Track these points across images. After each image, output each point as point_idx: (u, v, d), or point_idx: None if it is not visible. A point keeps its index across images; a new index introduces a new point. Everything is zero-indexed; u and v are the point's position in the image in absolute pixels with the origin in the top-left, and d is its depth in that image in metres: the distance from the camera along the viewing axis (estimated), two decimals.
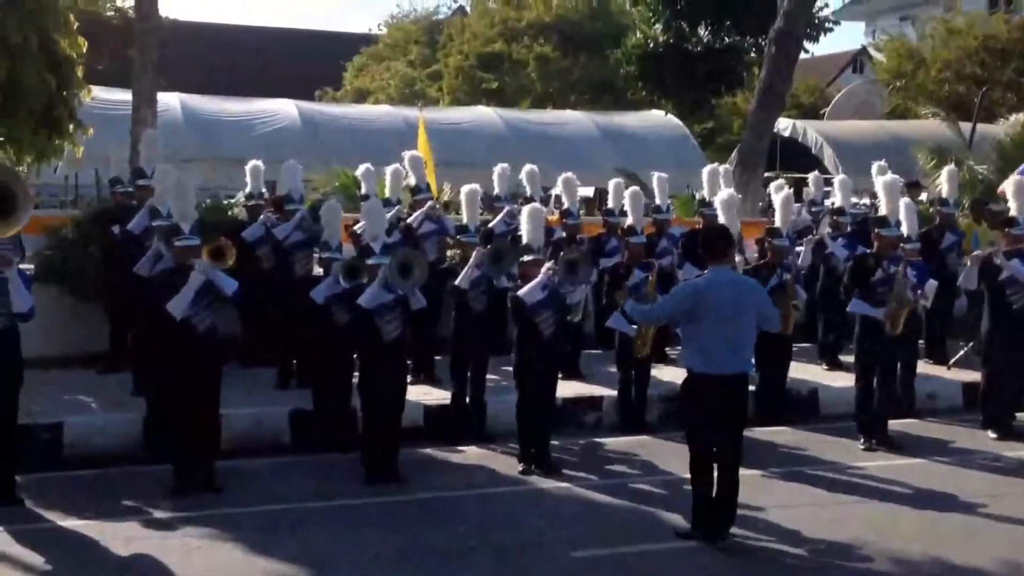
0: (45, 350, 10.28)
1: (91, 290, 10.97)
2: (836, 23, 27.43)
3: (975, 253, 10.48)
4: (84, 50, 14.04)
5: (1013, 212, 10.34)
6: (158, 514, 7.64)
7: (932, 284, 10.29)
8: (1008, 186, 10.96)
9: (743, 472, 7.47)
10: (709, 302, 7.12)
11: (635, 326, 9.52)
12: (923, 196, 15.32)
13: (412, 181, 12.11)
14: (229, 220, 11.73)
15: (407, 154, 12.45)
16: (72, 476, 8.57)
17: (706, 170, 13.29)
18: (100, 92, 17.74)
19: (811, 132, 28.02)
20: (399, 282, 8.32)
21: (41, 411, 9.11)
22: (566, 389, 10.23)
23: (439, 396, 10.21)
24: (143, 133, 12.07)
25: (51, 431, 9.05)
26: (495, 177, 12.60)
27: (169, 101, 22.37)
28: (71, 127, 13.81)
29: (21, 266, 8.21)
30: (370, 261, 8.60)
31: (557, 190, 12.86)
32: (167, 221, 8.83)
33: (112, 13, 33.67)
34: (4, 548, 6.97)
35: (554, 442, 9.07)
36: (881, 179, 10.62)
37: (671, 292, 7.91)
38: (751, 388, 7.97)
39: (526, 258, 9.01)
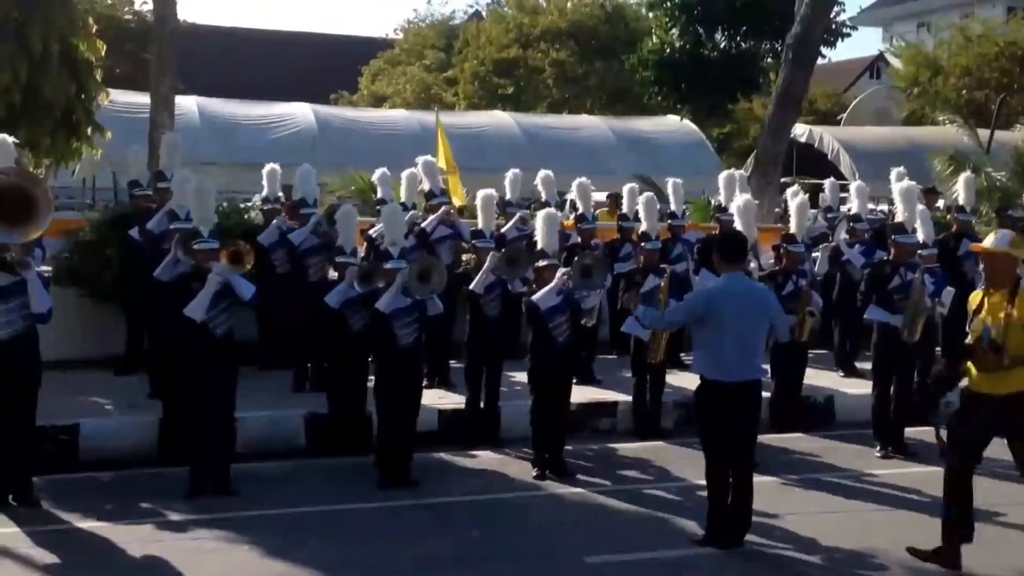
0: (62, 352, 10.34)
1: (108, 292, 11.02)
2: (853, 29, 27.41)
3: None
4: (103, 54, 14.13)
5: None
6: (173, 516, 7.67)
7: (949, 291, 10.25)
8: None
9: (758, 479, 7.46)
10: (721, 309, 7.11)
11: (649, 330, 9.52)
12: (940, 203, 15.26)
13: (427, 186, 12.13)
14: (245, 224, 11.76)
15: (421, 159, 12.48)
16: (88, 478, 8.61)
17: (722, 176, 13.27)
18: (118, 95, 17.83)
19: (828, 138, 27.93)
20: (417, 288, 8.34)
21: (58, 413, 9.15)
22: (580, 394, 10.21)
23: (453, 401, 10.23)
24: (163, 136, 12.12)
25: (68, 433, 9.10)
26: (507, 182, 12.61)
27: (187, 104, 22.46)
28: (89, 130, 13.88)
29: (40, 268, 8.26)
30: (387, 266, 8.61)
31: (572, 195, 12.88)
32: (185, 224, 8.87)
33: (130, 16, 33.92)
34: (21, 549, 7.00)
35: (568, 447, 9.06)
36: (898, 186, 10.59)
37: (684, 298, 7.91)
38: (766, 395, 7.96)
39: (541, 263, 9.01)
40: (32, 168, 13.00)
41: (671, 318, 8.02)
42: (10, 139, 9.22)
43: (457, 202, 12.57)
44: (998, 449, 9.92)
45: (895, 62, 36.59)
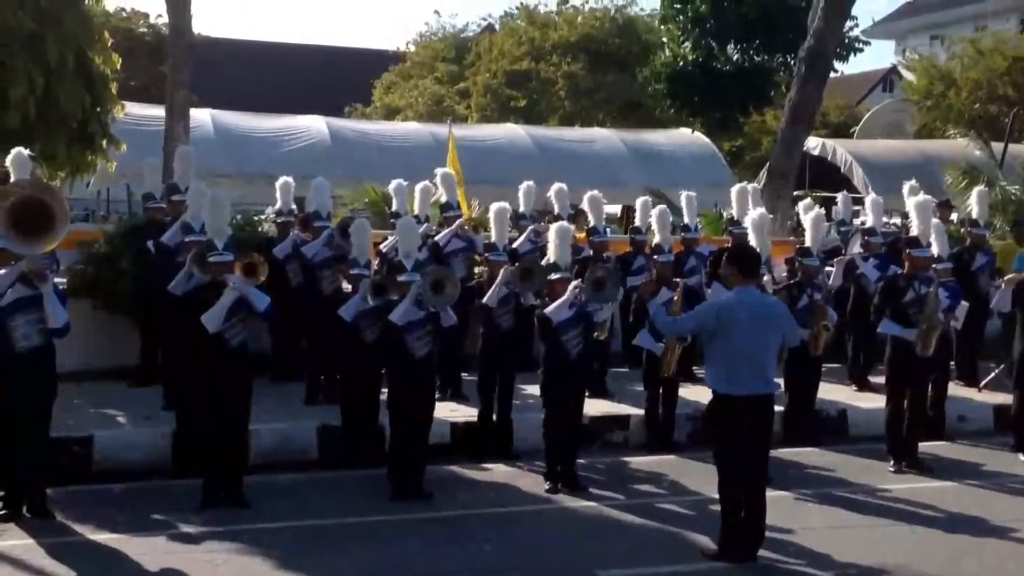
0: (77, 364, 10.37)
1: (123, 304, 11.06)
2: (866, 43, 27.34)
3: (1009, 276, 10.41)
4: (118, 66, 14.22)
5: None
6: (186, 528, 7.68)
7: (963, 305, 10.22)
8: None
9: (771, 493, 7.44)
10: (733, 322, 7.10)
11: (662, 344, 9.52)
12: (954, 216, 15.22)
13: (443, 198, 12.15)
14: (258, 236, 11.80)
15: (439, 171, 12.50)
16: (102, 490, 8.62)
17: (735, 189, 13.27)
18: (133, 108, 17.94)
19: (841, 151, 27.86)
20: (432, 299, 8.35)
21: (72, 424, 9.18)
22: (593, 407, 10.20)
23: (466, 413, 10.23)
24: (178, 149, 12.16)
25: (82, 444, 9.12)
26: (520, 195, 12.62)
27: (201, 117, 22.55)
28: (104, 143, 13.96)
29: (56, 280, 8.30)
30: (401, 278, 8.63)
31: (584, 207, 12.86)
32: (199, 237, 8.90)
33: (145, 30, 34.17)
34: (35, 561, 7.02)
35: (580, 461, 9.05)
36: (913, 199, 10.56)
37: (696, 309, 7.90)
38: (779, 409, 7.94)
39: (553, 276, 9.02)
40: (47, 179, 13.07)
41: (682, 326, 8.04)
42: (26, 151, 9.27)
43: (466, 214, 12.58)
44: (1012, 464, 9.91)
45: (908, 75, 36.55)
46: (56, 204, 7.78)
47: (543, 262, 9.60)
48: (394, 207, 12.35)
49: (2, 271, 7.81)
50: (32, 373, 7.71)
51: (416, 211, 12.04)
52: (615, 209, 20.52)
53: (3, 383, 7.78)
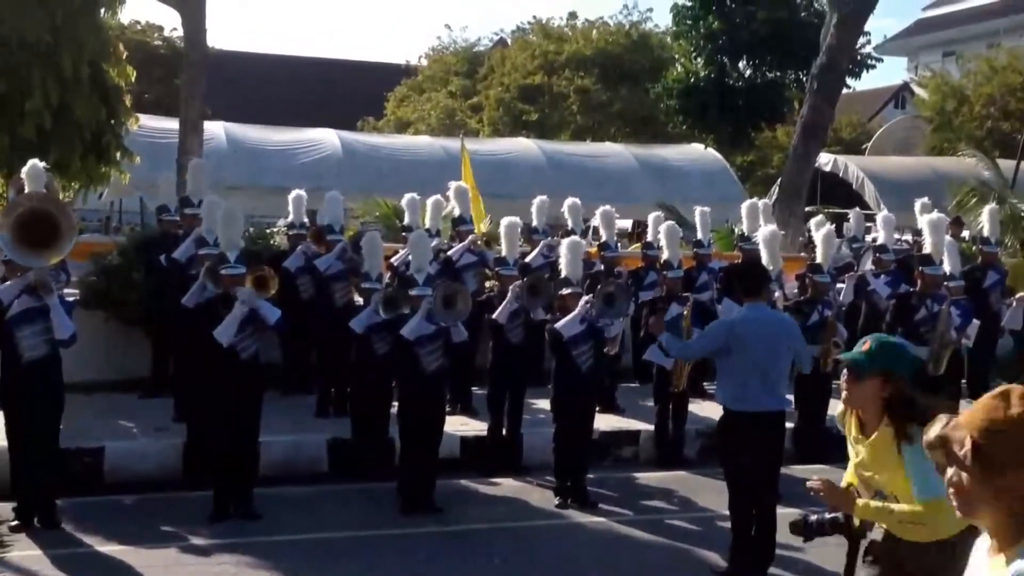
0: (88, 374, 10.40)
1: (134, 316, 11.10)
2: (879, 59, 27.34)
3: (1020, 294, 10.39)
4: (132, 79, 14.28)
5: None
6: (196, 540, 7.68)
7: (975, 324, 10.20)
8: None
9: (782, 511, 7.40)
10: (744, 339, 7.09)
11: (672, 359, 9.51)
12: (965, 234, 15.20)
13: (457, 212, 12.17)
14: (271, 249, 11.83)
15: (453, 184, 12.52)
16: (112, 501, 8.63)
17: (745, 205, 13.27)
18: (147, 120, 18.02)
19: (852, 167, 27.85)
20: (442, 314, 8.36)
21: (82, 435, 9.20)
22: (603, 422, 10.19)
23: (476, 428, 10.22)
24: (191, 162, 12.21)
25: (92, 456, 9.14)
26: (533, 209, 12.64)
27: (214, 129, 22.63)
28: (118, 155, 14.01)
29: (65, 291, 8.32)
30: (413, 292, 8.64)
31: (595, 222, 12.89)
32: (213, 250, 8.93)
33: (160, 43, 34.37)
34: (44, 572, 7.02)
35: (590, 476, 9.04)
36: (927, 217, 10.55)
37: (706, 329, 7.89)
38: (790, 426, 7.92)
39: (564, 291, 9.02)
40: (62, 191, 13.12)
41: (694, 349, 8.02)
42: (41, 163, 9.33)
43: (480, 227, 12.59)
44: None
45: (920, 92, 36.55)
46: (63, 217, 7.80)
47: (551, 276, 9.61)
48: (406, 220, 12.38)
49: (8, 282, 7.86)
50: (39, 383, 7.74)
51: (427, 225, 12.06)
52: (626, 224, 20.54)
53: (11, 393, 7.85)
